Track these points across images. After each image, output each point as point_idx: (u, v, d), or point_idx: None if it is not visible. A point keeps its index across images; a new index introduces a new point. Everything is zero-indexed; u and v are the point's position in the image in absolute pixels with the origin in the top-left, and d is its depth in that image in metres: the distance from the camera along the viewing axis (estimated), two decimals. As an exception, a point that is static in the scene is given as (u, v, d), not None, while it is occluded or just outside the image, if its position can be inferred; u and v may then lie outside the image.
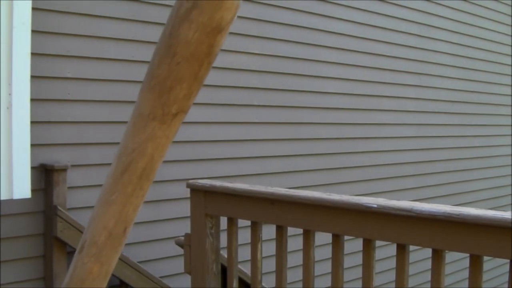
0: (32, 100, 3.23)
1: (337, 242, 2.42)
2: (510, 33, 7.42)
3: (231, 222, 2.80)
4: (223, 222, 2.88)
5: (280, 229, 2.63)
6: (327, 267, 2.68)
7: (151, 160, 1.00)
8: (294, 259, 3.38)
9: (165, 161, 3.93)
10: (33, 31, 3.23)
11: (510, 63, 7.43)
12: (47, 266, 3.36)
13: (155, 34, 3.86)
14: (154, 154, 1.00)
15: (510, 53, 7.44)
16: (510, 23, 7.42)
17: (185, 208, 3.44)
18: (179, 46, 0.91)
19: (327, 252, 2.71)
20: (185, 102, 0.96)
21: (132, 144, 0.99)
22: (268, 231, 2.92)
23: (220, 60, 4.27)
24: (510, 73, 7.45)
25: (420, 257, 4.63)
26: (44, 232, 3.38)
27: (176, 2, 0.91)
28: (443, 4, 6.35)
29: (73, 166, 3.51)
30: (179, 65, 0.92)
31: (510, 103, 7.46)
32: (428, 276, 2.53)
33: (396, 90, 5.82)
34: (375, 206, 2.22)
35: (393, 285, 2.31)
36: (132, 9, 3.80)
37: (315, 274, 2.58)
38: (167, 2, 3.93)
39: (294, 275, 3.59)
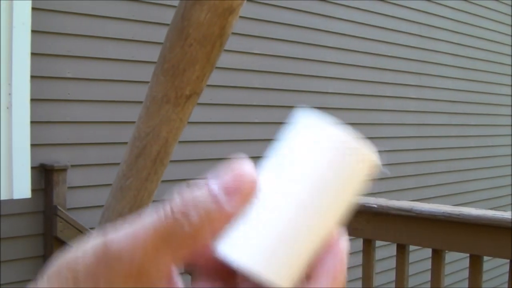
0: (32, 100, 3.23)
1: (337, 242, 2.41)
2: (510, 33, 7.41)
3: (231, 222, 2.79)
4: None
5: (280, 229, 2.62)
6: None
7: (166, 143, 1.00)
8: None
9: (165, 161, 3.94)
10: (33, 31, 3.23)
11: (510, 63, 7.43)
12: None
13: (155, 34, 3.86)
14: (168, 137, 0.99)
15: (510, 53, 7.43)
16: (510, 23, 7.42)
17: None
18: (191, 28, 0.90)
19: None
20: (198, 83, 0.96)
21: (146, 128, 0.99)
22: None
23: (220, 60, 4.25)
24: (510, 73, 7.44)
25: (420, 257, 4.62)
26: (44, 232, 3.37)
27: None
28: (444, 4, 6.34)
29: (73, 166, 3.51)
30: (192, 47, 0.92)
31: (510, 103, 7.45)
32: (428, 276, 2.53)
33: (396, 90, 5.81)
34: (375, 206, 2.21)
35: (393, 285, 2.30)
36: (132, 9, 3.80)
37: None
38: (167, 2, 3.93)
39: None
